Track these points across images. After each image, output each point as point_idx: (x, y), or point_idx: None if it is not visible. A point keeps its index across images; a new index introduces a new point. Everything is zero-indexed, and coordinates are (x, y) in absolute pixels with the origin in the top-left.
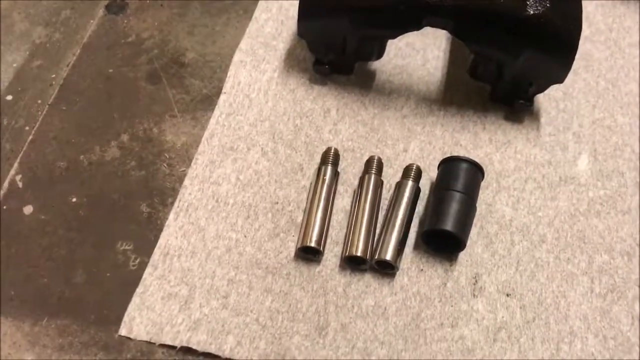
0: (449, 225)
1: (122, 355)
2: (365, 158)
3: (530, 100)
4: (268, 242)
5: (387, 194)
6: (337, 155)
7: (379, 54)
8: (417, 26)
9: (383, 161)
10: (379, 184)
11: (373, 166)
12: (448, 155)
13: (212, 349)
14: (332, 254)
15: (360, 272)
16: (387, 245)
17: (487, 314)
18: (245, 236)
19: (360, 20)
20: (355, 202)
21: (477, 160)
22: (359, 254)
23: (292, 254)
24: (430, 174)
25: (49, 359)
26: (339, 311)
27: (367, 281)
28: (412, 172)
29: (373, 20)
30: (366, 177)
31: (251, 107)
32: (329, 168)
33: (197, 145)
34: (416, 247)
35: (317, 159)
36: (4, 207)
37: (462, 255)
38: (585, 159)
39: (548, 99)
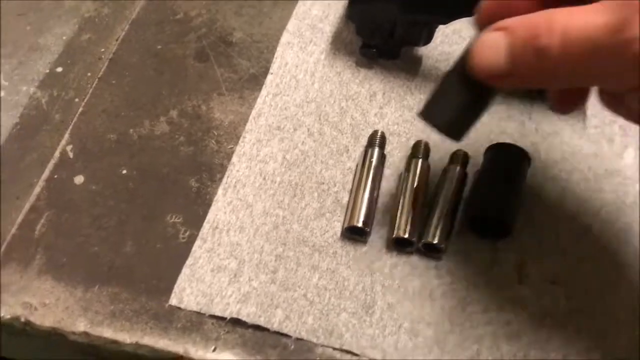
0: (495, 211)
1: (173, 324)
2: (411, 142)
3: None
4: (314, 220)
5: (433, 179)
6: (383, 138)
7: (427, 39)
8: (470, 13)
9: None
10: (426, 168)
11: (420, 150)
12: (494, 143)
13: (262, 322)
14: (377, 236)
15: (406, 254)
16: (434, 228)
17: (533, 301)
18: (292, 214)
19: (412, 4)
20: (402, 185)
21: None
22: (406, 236)
23: (338, 233)
24: (476, 160)
25: (102, 325)
26: (386, 291)
27: (414, 263)
28: (459, 158)
29: (425, 5)
30: (413, 160)
31: (298, 88)
32: (376, 150)
33: (245, 123)
34: (462, 231)
35: (363, 141)
36: (55, 177)
37: (508, 242)
38: (631, 153)
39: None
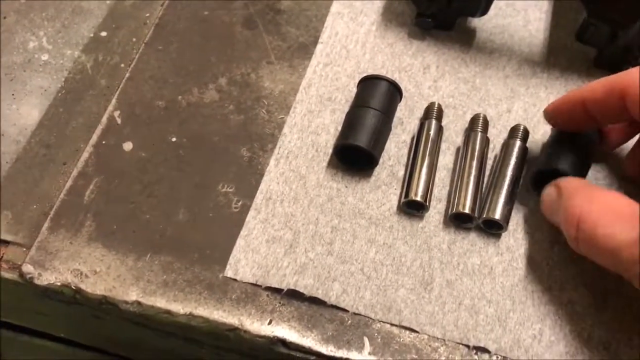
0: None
1: (227, 295)
2: (468, 116)
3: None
4: (370, 193)
5: (491, 154)
6: (440, 111)
7: (485, 10)
8: None
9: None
10: (485, 142)
11: (479, 124)
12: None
13: (320, 294)
14: (435, 211)
15: (464, 230)
16: (495, 204)
17: (596, 280)
18: (346, 187)
19: None
20: (461, 160)
21: None
22: (466, 210)
23: (395, 207)
24: (535, 137)
25: (154, 294)
26: (444, 268)
27: (472, 240)
28: (520, 133)
29: None
30: (472, 134)
31: (348, 58)
32: (433, 123)
33: (295, 93)
34: (522, 208)
35: (417, 114)
36: (103, 142)
37: None
38: None
39: None
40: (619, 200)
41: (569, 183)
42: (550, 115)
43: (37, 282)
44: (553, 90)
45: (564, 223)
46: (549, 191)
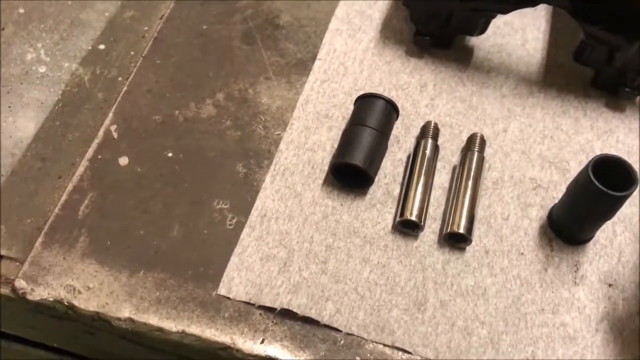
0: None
1: (220, 314)
2: (464, 135)
3: (637, 89)
4: (365, 212)
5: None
6: (437, 130)
7: (483, 29)
8: (532, 2)
9: None
10: (481, 162)
11: (476, 143)
12: (548, 139)
13: (313, 314)
14: (429, 230)
15: (458, 250)
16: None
17: (589, 303)
18: (341, 204)
19: None
20: (457, 179)
21: (577, 147)
22: (461, 231)
23: (390, 226)
24: (530, 156)
25: (147, 311)
26: (438, 288)
27: (466, 260)
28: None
29: None
30: (468, 154)
31: (346, 75)
32: (430, 142)
33: (292, 109)
34: (516, 230)
35: (414, 132)
36: (99, 157)
37: (563, 242)
38: None
39: None
40: None
41: None
42: None
43: (29, 297)
44: (549, 111)
45: None
46: None
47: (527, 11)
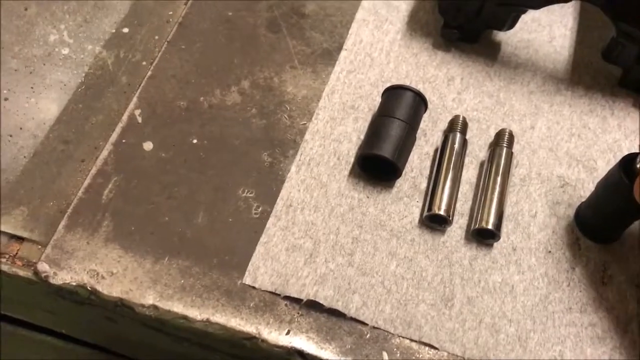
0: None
1: (245, 303)
2: (491, 130)
3: None
4: (391, 205)
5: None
6: (465, 124)
7: (512, 24)
8: None
9: None
10: (510, 158)
11: (505, 139)
12: (576, 137)
13: (339, 306)
14: (456, 226)
15: (486, 246)
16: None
17: (617, 304)
18: (367, 197)
19: None
20: (486, 175)
21: (605, 145)
22: (490, 227)
23: (417, 220)
24: (557, 154)
25: (171, 299)
26: (465, 284)
27: (494, 257)
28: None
29: None
30: (497, 149)
31: (372, 66)
32: (458, 136)
33: (318, 99)
34: (544, 228)
35: (441, 126)
36: (123, 141)
37: (590, 243)
38: None
39: None
40: None
41: None
42: None
43: (52, 281)
44: (577, 109)
45: None
46: None
47: (555, 7)
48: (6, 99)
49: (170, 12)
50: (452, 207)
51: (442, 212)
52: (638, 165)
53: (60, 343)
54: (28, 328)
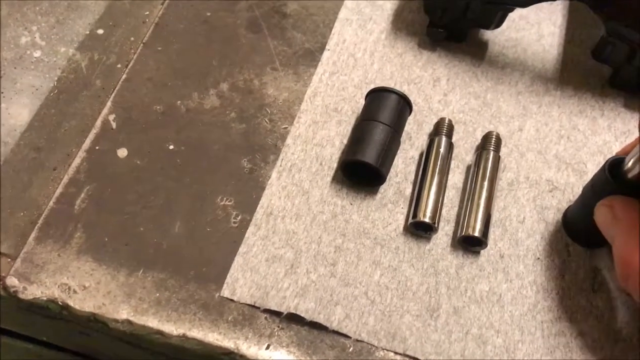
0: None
1: (223, 317)
2: (478, 133)
3: None
4: (375, 212)
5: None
6: (451, 127)
7: (499, 22)
8: None
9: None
10: (497, 161)
11: (492, 142)
12: (565, 139)
13: (321, 319)
14: (442, 233)
15: (473, 254)
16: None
17: (608, 312)
18: (351, 204)
19: None
20: (472, 179)
21: (595, 147)
22: (476, 234)
23: (401, 227)
24: (546, 157)
25: (146, 313)
26: (451, 294)
27: (481, 264)
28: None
29: None
30: (483, 153)
31: (356, 67)
32: (444, 139)
33: (299, 102)
34: (532, 234)
35: (426, 129)
36: (97, 148)
37: (580, 248)
38: None
39: None
40: None
41: (625, 211)
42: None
43: (21, 296)
44: (566, 110)
45: (616, 258)
46: (603, 211)
47: (543, 5)
48: None
49: (147, 13)
50: (438, 213)
51: (427, 220)
52: (625, 169)
53: (44, 350)
54: (9, 336)
